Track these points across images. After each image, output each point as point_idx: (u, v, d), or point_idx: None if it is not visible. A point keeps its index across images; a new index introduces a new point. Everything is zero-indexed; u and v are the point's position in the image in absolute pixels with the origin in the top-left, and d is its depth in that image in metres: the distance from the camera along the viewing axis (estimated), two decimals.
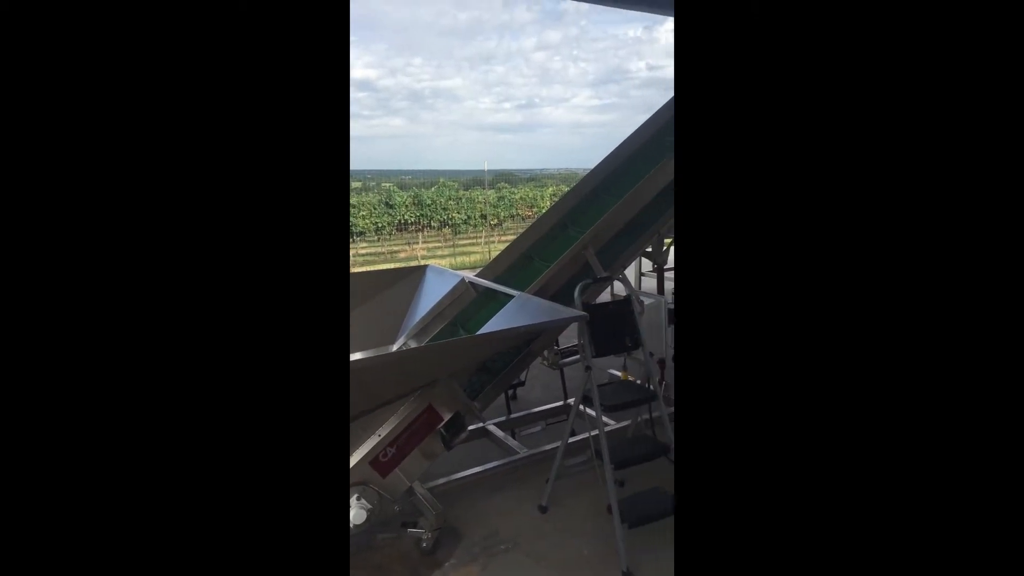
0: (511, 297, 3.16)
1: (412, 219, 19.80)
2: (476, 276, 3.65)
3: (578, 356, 3.00)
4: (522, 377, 4.11)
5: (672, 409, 3.68)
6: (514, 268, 3.82)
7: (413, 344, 3.43)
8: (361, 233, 18.60)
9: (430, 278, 3.77)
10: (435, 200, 20.20)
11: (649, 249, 4.35)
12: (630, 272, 5.41)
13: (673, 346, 4.72)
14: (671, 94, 4.21)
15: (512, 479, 3.26)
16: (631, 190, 3.58)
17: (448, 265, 13.18)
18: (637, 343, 2.99)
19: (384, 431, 2.56)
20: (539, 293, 3.34)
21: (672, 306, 4.61)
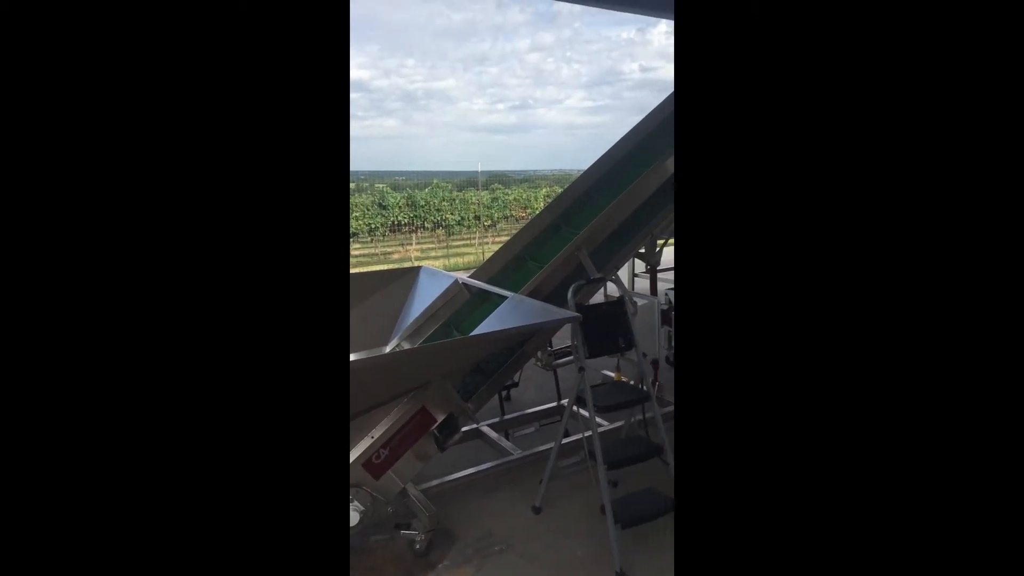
0: (504, 298, 3.17)
1: (406, 220, 19.77)
2: (470, 277, 3.65)
3: (571, 357, 3.00)
4: (516, 378, 4.11)
5: (665, 410, 3.69)
6: (508, 269, 3.82)
7: (407, 345, 3.43)
8: (354, 234, 18.55)
9: (423, 279, 3.76)
10: (429, 201, 20.18)
11: (642, 250, 4.36)
12: (623, 273, 5.42)
13: (667, 347, 4.74)
14: (664, 96, 4.23)
15: (506, 480, 3.26)
16: (624, 191, 3.59)
17: (442, 266, 13.16)
18: (630, 344, 3.00)
19: (377, 433, 2.55)
20: (533, 294, 3.34)
21: (665, 307, 4.63)
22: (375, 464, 2.54)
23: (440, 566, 2.63)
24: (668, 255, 5.25)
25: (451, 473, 3.18)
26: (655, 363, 3.86)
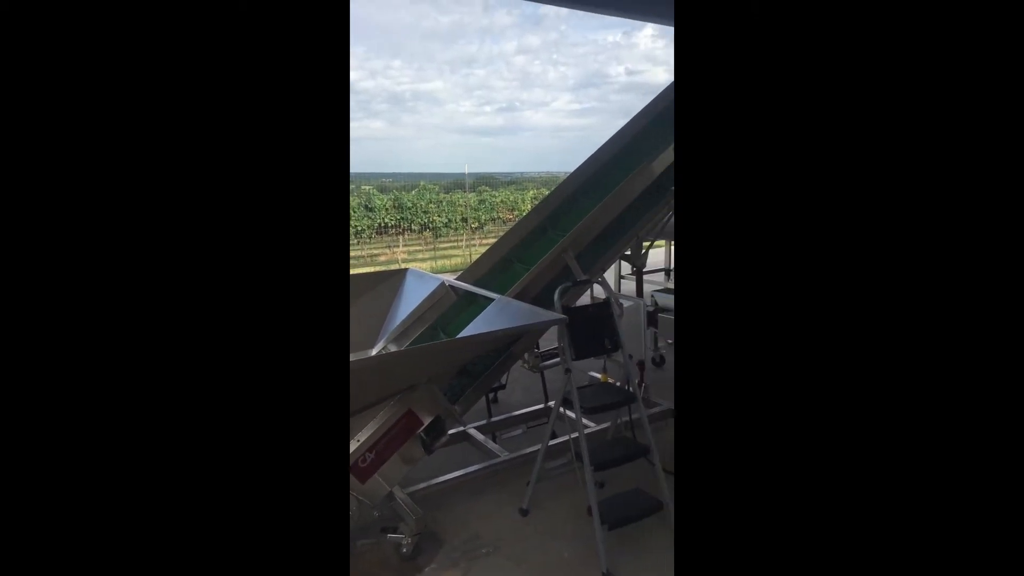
0: (491, 300, 3.16)
1: (392, 222, 19.68)
2: (456, 279, 3.65)
3: (558, 359, 3.01)
4: (503, 380, 4.11)
5: (651, 411, 3.71)
6: (494, 271, 3.82)
7: (393, 348, 3.41)
8: None
9: (410, 281, 3.75)
10: (416, 203, 20.11)
11: (628, 252, 4.38)
12: (609, 275, 5.44)
13: (653, 348, 4.76)
14: (650, 98, 4.26)
15: (493, 483, 3.25)
16: (611, 193, 3.61)
17: (429, 268, 13.13)
18: (617, 345, 3.01)
19: (363, 436, 2.54)
20: (519, 296, 3.34)
21: (650, 309, 4.66)
22: (361, 468, 2.53)
23: (427, 569, 2.62)
24: (654, 257, 5.28)
25: (438, 476, 3.17)
26: (641, 364, 3.88)
